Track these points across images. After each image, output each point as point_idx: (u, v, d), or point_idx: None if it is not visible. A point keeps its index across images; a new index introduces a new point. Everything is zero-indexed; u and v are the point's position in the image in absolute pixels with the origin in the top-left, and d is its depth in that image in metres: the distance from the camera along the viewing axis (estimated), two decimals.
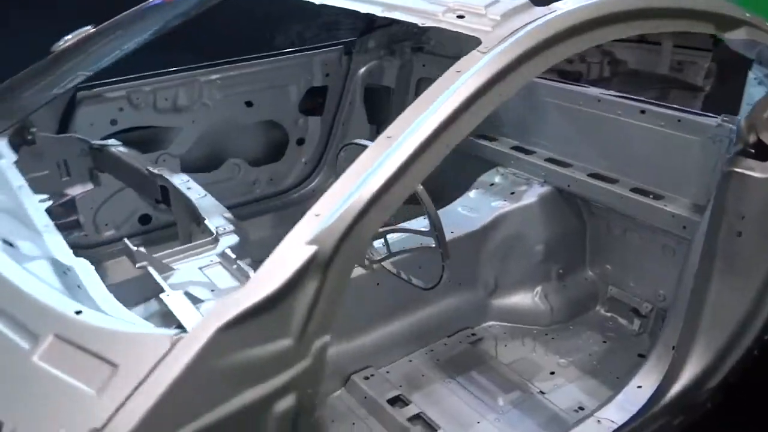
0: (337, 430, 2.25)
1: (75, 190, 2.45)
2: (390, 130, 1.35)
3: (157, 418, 1.07)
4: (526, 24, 1.54)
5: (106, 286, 1.41)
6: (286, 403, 1.18)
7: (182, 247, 1.69)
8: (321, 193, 1.31)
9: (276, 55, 2.96)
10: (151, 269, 1.54)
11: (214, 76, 2.82)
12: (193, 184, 2.04)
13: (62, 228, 2.42)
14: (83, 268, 1.45)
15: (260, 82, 2.96)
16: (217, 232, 1.76)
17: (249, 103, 2.96)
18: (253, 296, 1.15)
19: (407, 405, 2.30)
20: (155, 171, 2.13)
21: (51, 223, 1.65)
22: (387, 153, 1.30)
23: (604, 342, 2.71)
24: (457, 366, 2.53)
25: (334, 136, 3.28)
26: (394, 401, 2.32)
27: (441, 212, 2.70)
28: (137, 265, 1.54)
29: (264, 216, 3.19)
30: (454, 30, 1.56)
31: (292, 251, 1.20)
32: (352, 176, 1.28)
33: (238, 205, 3.06)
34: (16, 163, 1.99)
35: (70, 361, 1.15)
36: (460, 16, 1.59)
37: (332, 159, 3.31)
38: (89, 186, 2.51)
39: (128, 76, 2.63)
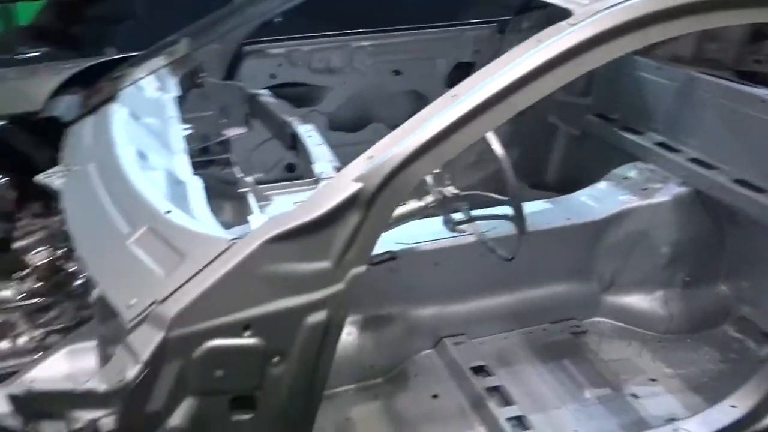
0: (417, 384, 2.36)
1: (230, 132, 2.78)
2: (457, 88, 1.42)
3: (204, 303, 1.27)
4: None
5: None
6: (318, 317, 1.32)
7: (287, 183, 1.90)
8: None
9: (428, 27, 3.08)
10: (249, 195, 1.76)
11: (365, 43, 3.02)
12: (314, 133, 2.25)
13: (215, 163, 2.79)
14: (194, 184, 1.72)
15: (410, 52, 3.10)
16: (319, 176, 1.94)
17: (397, 72, 3.12)
18: (297, 219, 1.31)
19: (490, 376, 2.34)
20: (287, 119, 2.37)
21: (184, 147, 1.94)
22: (447, 108, 1.38)
23: (723, 362, 2.50)
24: (551, 352, 2.51)
25: None
26: (478, 370, 2.36)
27: (562, 199, 2.71)
28: (239, 190, 1.78)
29: None
30: (548, 1, 1.56)
31: (340, 186, 1.33)
32: (409, 126, 1.38)
33: None
34: (178, 98, 2.34)
35: (153, 248, 1.40)
36: None
37: None
38: (243, 130, 2.83)
39: (289, 36, 2.92)
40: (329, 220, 1.31)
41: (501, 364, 2.43)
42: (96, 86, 2.26)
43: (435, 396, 2.31)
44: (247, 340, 1.29)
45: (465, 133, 1.37)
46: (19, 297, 1.75)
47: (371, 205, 1.33)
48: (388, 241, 2.28)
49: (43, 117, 2.06)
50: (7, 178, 2.00)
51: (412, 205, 1.82)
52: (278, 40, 2.93)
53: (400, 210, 1.80)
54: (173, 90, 2.38)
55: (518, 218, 1.75)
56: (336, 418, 2.22)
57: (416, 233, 2.32)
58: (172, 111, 2.18)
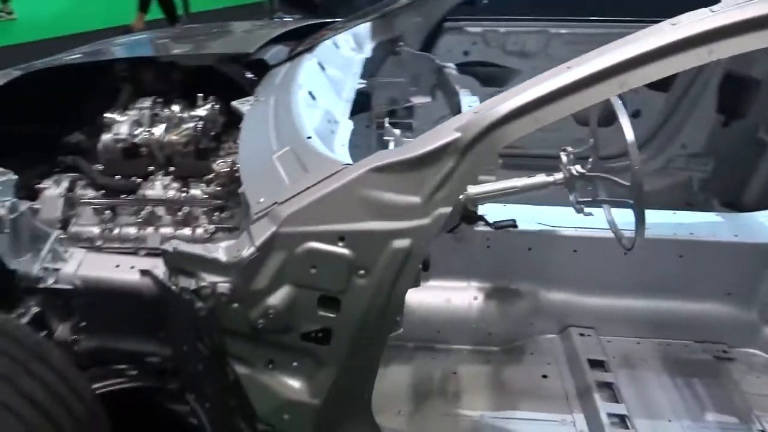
0: (531, 361, 2.41)
1: (416, 100, 3.02)
2: (574, 60, 1.48)
3: (311, 211, 1.52)
4: None
5: None
6: (402, 243, 1.49)
7: None
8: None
9: (627, 20, 3.00)
10: (391, 142, 1.97)
11: (563, 30, 3.05)
12: (475, 104, 2.38)
13: (398, 126, 3.06)
14: (345, 125, 1.99)
15: (606, 43, 3.05)
16: None
17: None
18: (398, 155, 1.50)
19: (605, 372, 2.31)
20: (457, 90, 2.54)
21: (351, 98, 2.22)
22: (557, 77, 1.45)
23: None
24: (684, 369, 2.38)
25: (675, 114, 3.17)
26: (595, 364, 2.34)
27: (738, 215, 2.54)
28: (384, 138, 2.00)
29: None
30: None
31: (442, 132, 1.49)
32: (518, 88, 1.47)
33: None
34: (368, 59, 2.63)
35: (288, 163, 1.69)
36: None
37: (667, 137, 3.23)
38: (427, 99, 3.05)
39: (488, 17, 3.07)
40: (425, 160, 1.48)
41: (623, 365, 2.38)
42: (304, 40, 2.65)
43: (544, 376, 2.35)
44: (340, 249, 1.51)
45: (568, 101, 1.43)
46: (204, 196, 2.17)
47: (465, 154, 1.46)
48: (529, 220, 2.35)
49: (253, 59, 2.48)
50: (218, 105, 2.44)
51: (540, 178, 1.89)
52: (477, 20, 3.09)
53: (527, 181, 1.88)
54: (366, 52, 2.68)
55: (637, 205, 1.73)
56: (445, 370, 2.37)
57: (559, 218, 2.36)
58: (357, 68, 2.47)
